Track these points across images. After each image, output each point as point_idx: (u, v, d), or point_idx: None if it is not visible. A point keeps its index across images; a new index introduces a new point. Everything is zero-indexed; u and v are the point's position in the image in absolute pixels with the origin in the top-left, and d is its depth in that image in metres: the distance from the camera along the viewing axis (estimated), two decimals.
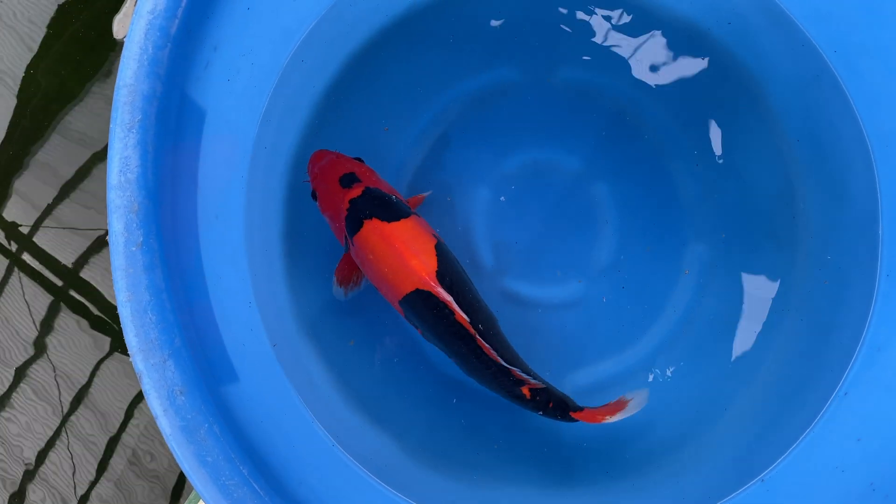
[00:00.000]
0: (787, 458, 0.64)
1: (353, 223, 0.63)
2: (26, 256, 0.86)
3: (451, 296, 0.60)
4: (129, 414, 0.86)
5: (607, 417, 0.62)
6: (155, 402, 0.46)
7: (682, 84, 0.77)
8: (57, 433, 0.85)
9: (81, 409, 0.86)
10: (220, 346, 0.55)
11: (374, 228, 0.62)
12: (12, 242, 0.85)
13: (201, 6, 0.52)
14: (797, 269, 0.75)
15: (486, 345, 0.60)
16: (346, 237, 0.65)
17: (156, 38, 0.48)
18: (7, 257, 0.84)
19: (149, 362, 0.46)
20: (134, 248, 0.47)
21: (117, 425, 0.85)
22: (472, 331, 0.60)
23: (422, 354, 0.76)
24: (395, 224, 0.62)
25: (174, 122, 0.52)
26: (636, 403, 0.63)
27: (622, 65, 0.78)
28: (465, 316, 0.60)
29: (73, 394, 0.86)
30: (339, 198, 0.65)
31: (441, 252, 0.63)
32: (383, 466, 0.70)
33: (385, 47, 0.77)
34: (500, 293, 0.77)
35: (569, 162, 0.78)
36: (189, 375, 0.47)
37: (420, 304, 0.61)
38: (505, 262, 0.78)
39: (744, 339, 0.76)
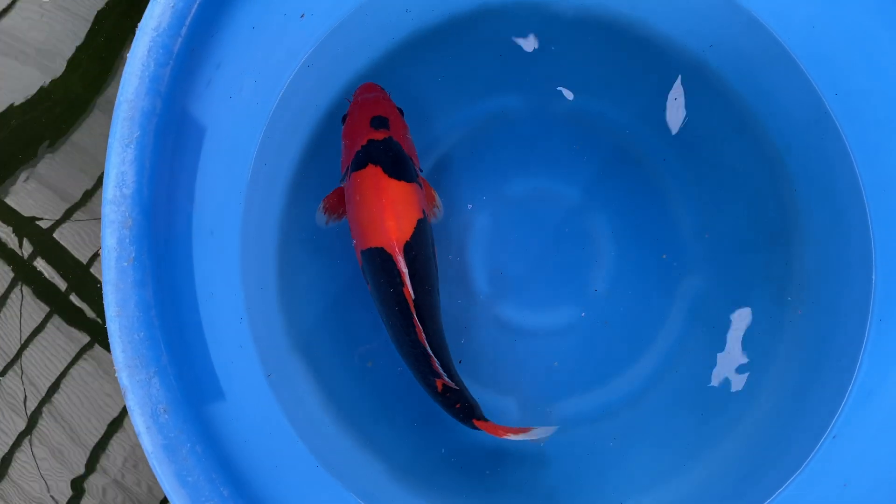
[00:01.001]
0: (773, 500, 0.64)
1: (360, 161, 0.63)
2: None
3: (408, 269, 0.61)
4: None
5: (508, 435, 0.62)
6: (138, 420, 0.46)
7: (684, 118, 0.78)
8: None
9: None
10: (207, 364, 0.55)
11: (373, 174, 0.62)
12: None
13: (206, 25, 0.52)
14: (790, 310, 0.75)
15: (420, 327, 0.61)
16: (347, 169, 0.66)
17: (158, 56, 0.49)
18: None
19: (134, 379, 0.46)
20: (125, 264, 0.47)
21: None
22: (413, 309, 0.61)
23: (412, 376, 0.76)
24: (394, 181, 0.62)
25: (173, 138, 0.52)
26: (539, 434, 0.64)
27: (626, 97, 0.78)
28: (412, 293, 0.61)
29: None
30: (362, 132, 0.65)
31: (420, 228, 0.63)
32: (369, 489, 0.70)
33: (388, 70, 0.77)
34: (491, 317, 0.77)
35: (568, 191, 0.78)
36: (174, 393, 0.47)
37: (378, 262, 0.62)
38: (499, 287, 0.78)
39: (734, 377, 0.75)
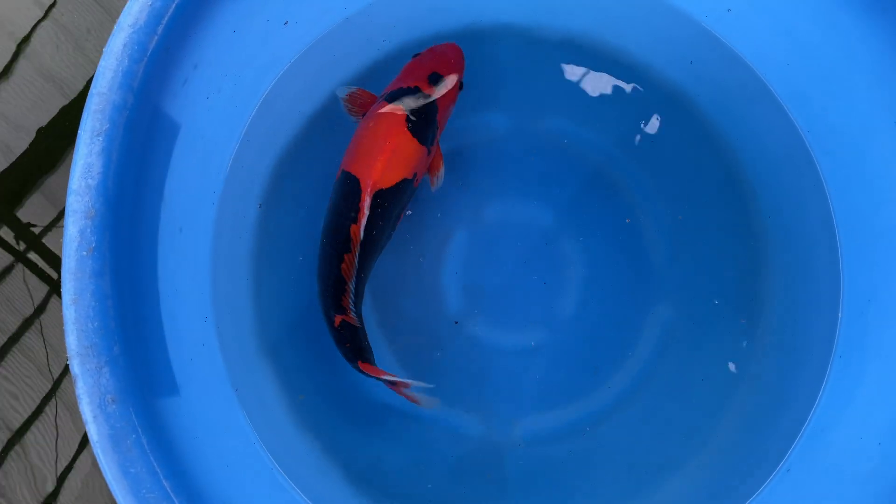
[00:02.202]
0: None
1: (394, 98, 0.65)
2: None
3: (369, 213, 0.62)
4: None
5: (386, 376, 0.63)
6: (86, 408, 0.46)
7: (661, 147, 0.78)
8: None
9: None
10: (164, 359, 0.55)
11: (395, 118, 0.64)
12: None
13: (184, 25, 0.53)
14: (757, 342, 0.75)
15: (349, 261, 0.62)
16: (387, 95, 0.67)
17: (132, 52, 0.50)
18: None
19: (85, 367, 0.47)
20: (85, 253, 0.48)
21: None
22: (354, 246, 0.62)
23: (380, 384, 0.76)
24: (408, 135, 0.64)
25: (144, 134, 0.53)
26: (418, 392, 0.65)
27: (604, 123, 0.79)
28: (361, 233, 0.62)
29: None
30: (417, 78, 0.67)
31: (400, 187, 0.64)
32: (325, 494, 0.70)
33: (374, 83, 0.78)
34: (460, 335, 0.77)
35: (542, 213, 0.79)
36: (124, 384, 0.48)
37: (347, 189, 0.63)
38: (472, 306, 0.78)
39: (698, 404, 0.76)
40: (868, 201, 0.66)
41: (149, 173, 0.55)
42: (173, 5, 0.51)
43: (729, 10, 0.70)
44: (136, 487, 0.46)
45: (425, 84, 0.66)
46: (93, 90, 0.49)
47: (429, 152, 0.67)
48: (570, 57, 0.79)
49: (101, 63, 0.50)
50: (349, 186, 0.64)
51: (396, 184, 0.64)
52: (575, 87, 0.79)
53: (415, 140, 0.65)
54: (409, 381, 0.63)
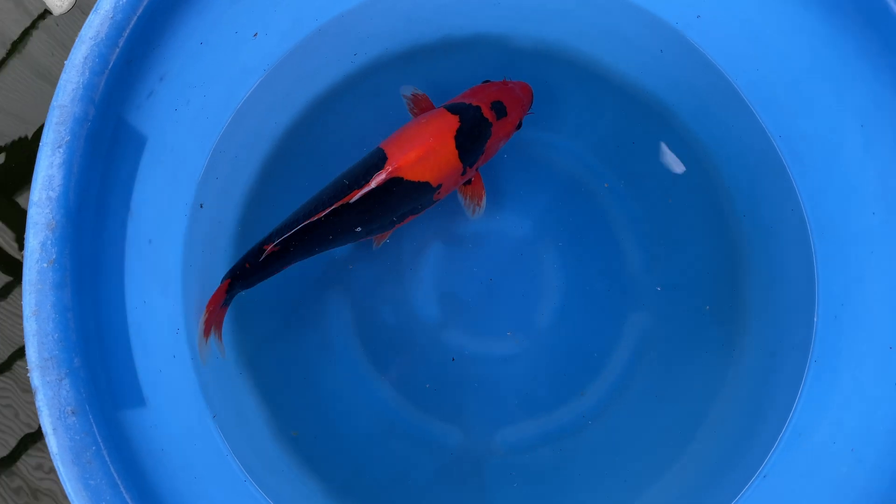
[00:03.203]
0: None
1: (456, 108, 0.66)
2: None
3: (372, 194, 0.62)
4: None
5: (205, 314, 0.61)
6: (46, 420, 0.46)
7: (637, 153, 0.79)
8: None
9: None
10: (129, 371, 0.55)
11: (449, 125, 0.65)
12: None
13: (147, 38, 0.54)
14: (735, 348, 0.75)
15: (325, 215, 0.61)
16: (448, 104, 0.68)
17: (94, 65, 0.50)
18: None
19: (45, 379, 0.47)
20: (45, 265, 0.48)
21: None
22: (338, 203, 0.61)
23: (360, 394, 0.76)
24: (451, 146, 0.64)
25: (107, 146, 0.53)
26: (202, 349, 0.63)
27: (579, 131, 0.79)
28: (352, 200, 0.61)
29: None
30: (479, 100, 0.67)
31: (418, 188, 0.64)
32: None
33: (349, 92, 0.78)
34: (438, 345, 0.77)
35: (519, 222, 0.79)
36: (84, 396, 0.48)
37: (371, 162, 0.63)
38: (447, 316, 0.78)
39: (677, 411, 0.75)
40: (839, 205, 0.66)
41: (113, 185, 0.55)
42: (135, 18, 0.51)
43: (698, 16, 0.70)
44: (96, 499, 0.46)
45: (487, 108, 0.67)
46: (54, 102, 0.50)
47: (463, 172, 0.67)
48: (542, 65, 0.80)
49: (63, 76, 0.50)
50: (374, 159, 0.63)
51: (418, 181, 0.63)
52: (548, 95, 0.79)
53: (455, 152, 0.65)
54: (202, 336, 0.62)
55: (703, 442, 0.73)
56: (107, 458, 0.47)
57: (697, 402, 0.75)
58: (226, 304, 0.63)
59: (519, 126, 0.71)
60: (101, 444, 0.47)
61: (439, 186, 0.65)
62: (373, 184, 0.62)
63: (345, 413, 0.76)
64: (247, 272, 0.62)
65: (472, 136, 0.66)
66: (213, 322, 0.63)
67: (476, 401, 0.77)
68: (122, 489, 0.47)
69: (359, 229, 0.65)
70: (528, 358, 0.77)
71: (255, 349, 0.74)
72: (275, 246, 0.61)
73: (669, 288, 0.77)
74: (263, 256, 0.61)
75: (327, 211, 0.61)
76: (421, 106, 0.72)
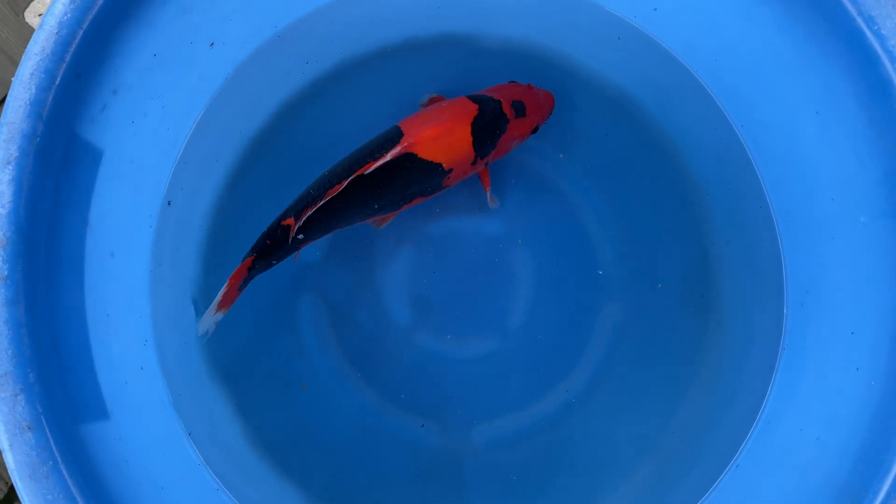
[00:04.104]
0: None
1: (479, 99, 0.67)
2: None
3: (387, 164, 0.62)
4: None
5: (226, 288, 0.63)
6: (2, 436, 0.46)
7: (604, 149, 0.79)
8: None
9: None
10: (91, 384, 0.55)
11: (468, 113, 0.65)
12: None
13: (95, 52, 0.54)
14: (708, 338, 0.75)
15: (340, 189, 0.61)
16: (471, 94, 0.69)
17: (40, 80, 0.50)
18: None
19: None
20: None
21: None
22: (353, 175, 0.62)
23: (337, 398, 0.76)
24: (466, 133, 0.65)
25: (59, 161, 0.53)
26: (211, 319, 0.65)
27: (547, 129, 0.79)
28: (367, 172, 0.62)
29: None
30: (501, 95, 0.68)
31: (431, 167, 0.64)
32: None
33: (317, 97, 0.78)
34: (413, 343, 0.77)
35: (489, 222, 0.79)
36: (40, 412, 0.48)
37: (387, 137, 0.64)
38: (422, 317, 0.78)
39: (652, 404, 0.76)
40: (800, 193, 0.66)
41: (69, 199, 0.55)
42: (81, 33, 0.51)
43: (655, 9, 0.70)
44: None
45: (508, 105, 0.68)
46: (2, 119, 0.50)
47: (474, 161, 0.68)
48: (508, 63, 0.79)
49: (10, 93, 0.50)
50: (391, 135, 0.64)
51: (430, 161, 0.64)
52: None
53: (470, 139, 0.65)
54: (215, 307, 0.63)
55: (679, 433, 0.73)
56: (64, 473, 0.47)
57: (673, 394, 0.75)
58: (244, 284, 0.64)
59: (535, 130, 0.72)
60: (59, 458, 0.47)
61: (450, 171, 0.66)
62: (388, 157, 0.62)
63: (322, 417, 0.76)
64: (268, 249, 0.63)
65: (489, 128, 0.67)
66: (228, 299, 0.64)
67: (453, 400, 0.77)
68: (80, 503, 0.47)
69: (370, 206, 0.66)
70: (504, 356, 0.78)
71: (229, 357, 0.74)
72: (290, 216, 0.62)
73: (641, 281, 0.77)
74: (280, 224, 0.62)
75: (346, 182, 0.62)
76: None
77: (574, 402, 0.76)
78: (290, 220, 0.62)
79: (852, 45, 0.54)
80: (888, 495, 0.48)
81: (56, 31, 0.50)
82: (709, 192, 0.76)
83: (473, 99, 0.67)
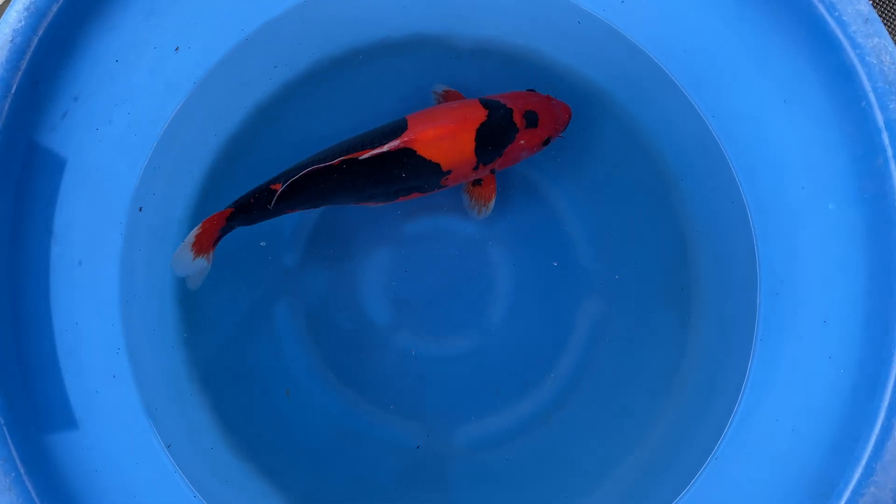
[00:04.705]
0: None
1: (489, 103, 0.67)
2: None
3: (383, 155, 0.63)
4: None
5: (196, 231, 0.64)
6: None
7: (580, 144, 0.78)
8: None
9: None
10: (58, 393, 0.55)
11: (474, 114, 0.66)
12: None
13: (53, 59, 0.53)
14: (688, 332, 0.75)
15: (339, 163, 0.63)
16: (483, 98, 0.69)
17: None
18: None
19: None
20: None
21: None
22: (355, 155, 0.63)
23: (318, 402, 0.76)
24: (471, 137, 0.65)
25: (17, 170, 0.52)
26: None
27: None
28: (369, 155, 0.63)
29: None
30: (514, 103, 0.68)
31: (429, 166, 0.65)
32: None
33: (290, 100, 0.78)
34: (393, 345, 0.77)
35: (468, 221, 0.78)
36: (1, 423, 0.47)
37: (392, 128, 0.65)
38: (401, 317, 0.78)
39: (633, 400, 0.75)
40: (773, 182, 0.66)
41: (31, 209, 0.55)
42: (36, 40, 0.51)
43: (622, 1, 0.70)
44: None
45: (519, 114, 0.67)
46: None
47: (476, 167, 0.67)
48: (484, 62, 0.79)
49: None
50: (395, 126, 0.65)
51: (429, 160, 0.64)
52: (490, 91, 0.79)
53: (473, 144, 0.65)
54: (187, 248, 0.64)
55: (661, 426, 0.73)
56: (28, 485, 0.47)
57: (653, 387, 0.75)
58: (222, 232, 0.65)
59: (546, 143, 0.71)
60: (22, 469, 0.47)
61: (448, 172, 0.66)
62: (385, 148, 0.63)
63: (303, 421, 0.76)
64: (250, 206, 0.64)
65: (495, 135, 0.66)
66: (202, 243, 0.64)
67: (436, 400, 0.77)
68: None
69: (363, 191, 0.66)
70: (485, 354, 0.77)
71: (207, 363, 0.74)
72: (282, 186, 0.63)
73: (620, 275, 0.77)
74: (267, 194, 0.63)
75: (335, 162, 0.62)
76: (450, 100, 0.73)
77: (556, 400, 0.76)
78: (277, 186, 0.63)
79: (815, 32, 0.54)
80: (859, 484, 0.48)
81: (10, 38, 0.50)
82: (684, 184, 0.76)
83: (485, 104, 0.67)
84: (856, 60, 0.51)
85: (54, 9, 0.51)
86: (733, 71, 0.65)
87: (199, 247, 0.64)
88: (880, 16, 0.86)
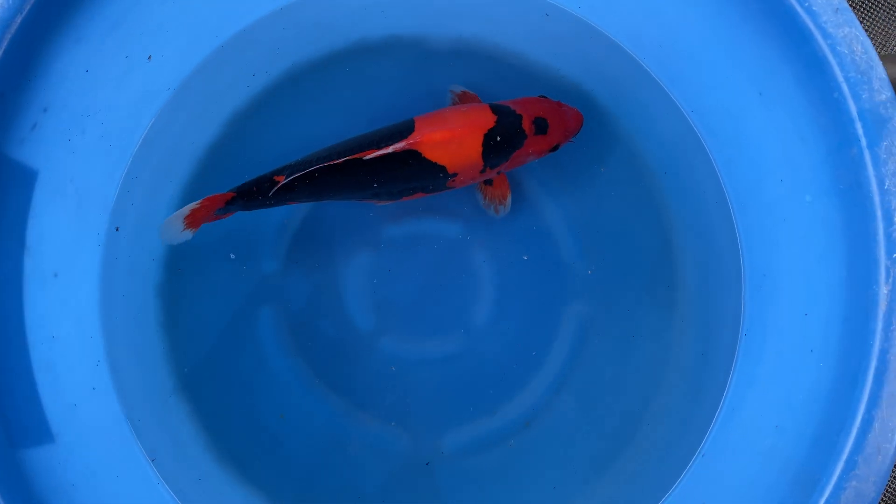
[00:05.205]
0: None
1: (499, 108, 0.67)
2: None
3: (388, 155, 0.63)
4: None
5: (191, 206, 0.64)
6: None
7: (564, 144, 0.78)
8: None
9: None
10: (34, 408, 0.54)
11: (482, 119, 0.66)
12: None
13: (18, 70, 0.53)
14: (674, 329, 0.75)
15: (340, 162, 0.63)
16: (493, 103, 0.69)
17: None
18: None
19: None
20: None
21: None
22: (358, 155, 0.63)
23: (304, 408, 0.76)
24: (478, 140, 0.65)
25: None
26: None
27: None
28: (374, 155, 0.63)
29: None
30: (524, 111, 0.68)
31: (433, 168, 0.65)
32: None
33: (269, 105, 0.78)
34: (377, 349, 0.76)
35: (450, 224, 0.78)
36: None
37: (399, 129, 0.65)
38: (385, 321, 0.77)
39: (621, 400, 0.75)
40: (751, 176, 0.65)
41: (1, 221, 0.54)
42: (1, 51, 0.50)
43: None
44: None
45: (528, 120, 0.67)
46: None
47: (483, 170, 0.67)
48: (463, 62, 0.79)
49: None
50: (402, 128, 0.65)
51: (434, 162, 0.64)
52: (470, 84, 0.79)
53: (480, 149, 0.65)
54: (179, 218, 0.64)
55: (649, 425, 0.73)
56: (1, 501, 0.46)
57: (641, 386, 0.74)
58: (218, 213, 0.65)
59: (555, 149, 0.71)
60: None
61: (454, 175, 0.66)
62: (390, 149, 0.63)
63: (289, 429, 0.75)
64: (251, 193, 0.64)
65: (502, 141, 0.66)
66: (194, 218, 0.64)
67: (422, 404, 0.76)
68: None
69: (367, 189, 0.66)
70: (471, 357, 0.77)
71: (190, 373, 0.73)
72: (284, 179, 0.63)
73: (605, 274, 0.76)
74: (270, 184, 0.63)
75: (340, 161, 0.62)
76: (466, 101, 0.73)
77: (544, 401, 0.76)
78: (280, 178, 0.63)
79: (786, 23, 0.53)
80: (841, 477, 0.48)
81: None
82: (666, 180, 0.75)
83: (495, 109, 0.67)
84: (827, 51, 0.51)
85: (18, 20, 0.50)
86: (709, 65, 0.65)
87: (191, 220, 0.64)
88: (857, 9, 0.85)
